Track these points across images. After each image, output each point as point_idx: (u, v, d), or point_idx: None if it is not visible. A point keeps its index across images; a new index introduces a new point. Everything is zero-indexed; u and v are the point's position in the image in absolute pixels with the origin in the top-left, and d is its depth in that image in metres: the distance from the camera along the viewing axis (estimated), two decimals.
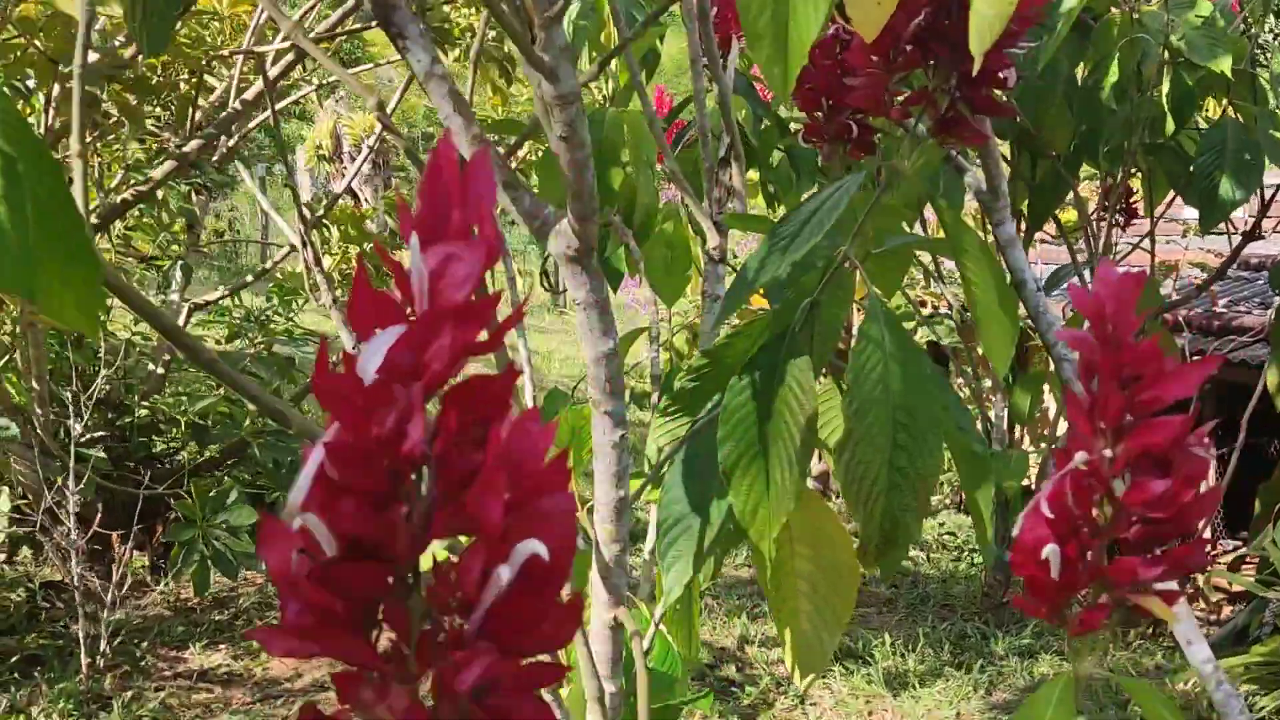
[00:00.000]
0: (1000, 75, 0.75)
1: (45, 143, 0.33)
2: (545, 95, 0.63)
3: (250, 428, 2.22)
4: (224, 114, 1.71)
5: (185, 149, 1.60)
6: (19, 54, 1.27)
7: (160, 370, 2.22)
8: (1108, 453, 0.41)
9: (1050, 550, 0.42)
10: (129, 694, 2.13)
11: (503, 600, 0.26)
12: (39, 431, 1.98)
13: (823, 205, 0.77)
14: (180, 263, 2.18)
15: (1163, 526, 0.42)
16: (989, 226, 0.92)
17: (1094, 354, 0.41)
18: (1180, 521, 0.42)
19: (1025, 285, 0.91)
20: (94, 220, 1.65)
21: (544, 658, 0.27)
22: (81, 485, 2.01)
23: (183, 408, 2.18)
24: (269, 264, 2.18)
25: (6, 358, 1.94)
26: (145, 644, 2.32)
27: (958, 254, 0.79)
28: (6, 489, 2.10)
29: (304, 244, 0.99)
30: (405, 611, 0.27)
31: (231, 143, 1.74)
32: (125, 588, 2.10)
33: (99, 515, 2.00)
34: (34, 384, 1.96)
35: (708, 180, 1.35)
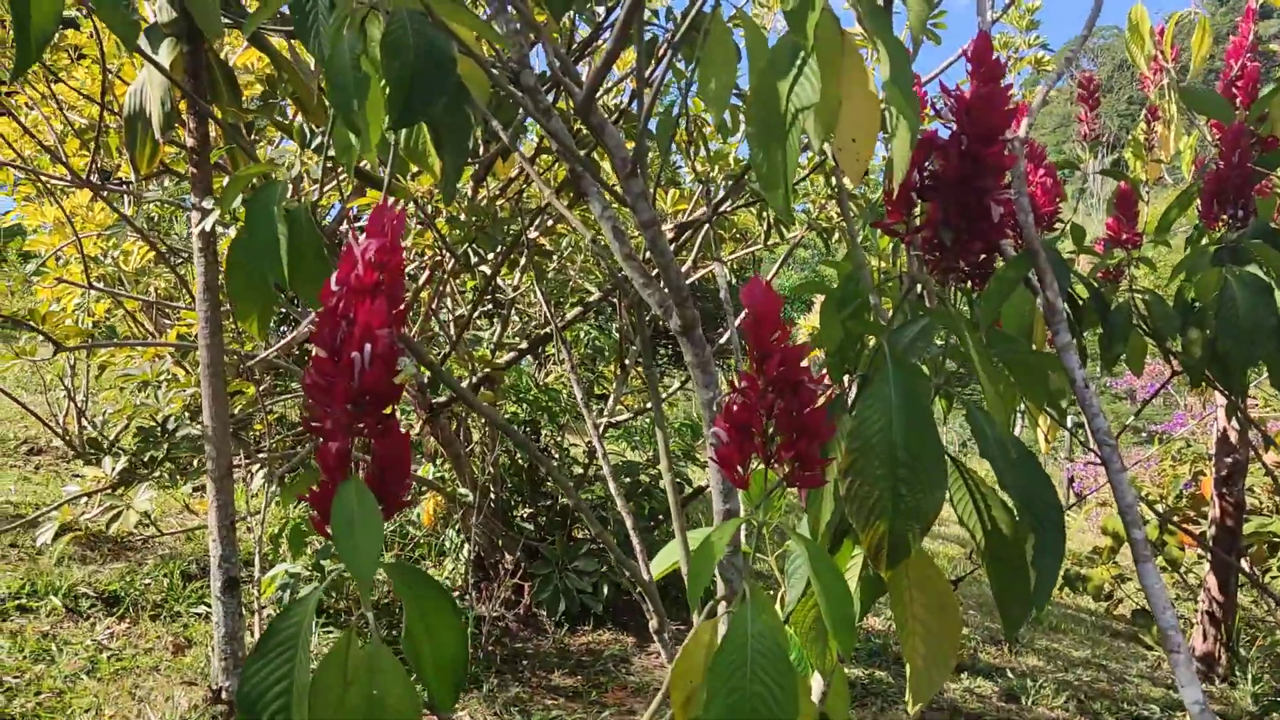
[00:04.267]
0: (990, 211, 1.02)
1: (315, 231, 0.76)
2: (636, 223, 1.06)
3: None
4: None
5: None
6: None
7: (580, 470, 2.87)
8: (760, 380, 0.74)
9: (716, 431, 0.75)
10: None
11: (361, 372, 0.68)
12: (491, 506, 2.72)
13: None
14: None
15: (793, 426, 0.73)
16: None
17: (749, 329, 0.74)
18: (803, 423, 0.73)
19: (1075, 383, 1.10)
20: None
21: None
22: (517, 553, 2.67)
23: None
24: None
25: (468, 449, 2.71)
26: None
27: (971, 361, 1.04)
28: (467, 543, 2.84)
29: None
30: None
31: None
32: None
33: (520, 566, 2.66)
34: (489, 471, 2.70)
35: None
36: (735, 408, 0.74)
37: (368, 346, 0.67)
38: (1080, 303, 1.90)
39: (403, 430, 0.70)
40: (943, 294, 1.25)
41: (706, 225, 2.42)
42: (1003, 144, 0.99)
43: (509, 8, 1.12)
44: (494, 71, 1.12)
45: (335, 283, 0.70)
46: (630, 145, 1.08)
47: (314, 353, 0.70)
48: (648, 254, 1.10)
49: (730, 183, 2.04)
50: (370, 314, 0.68)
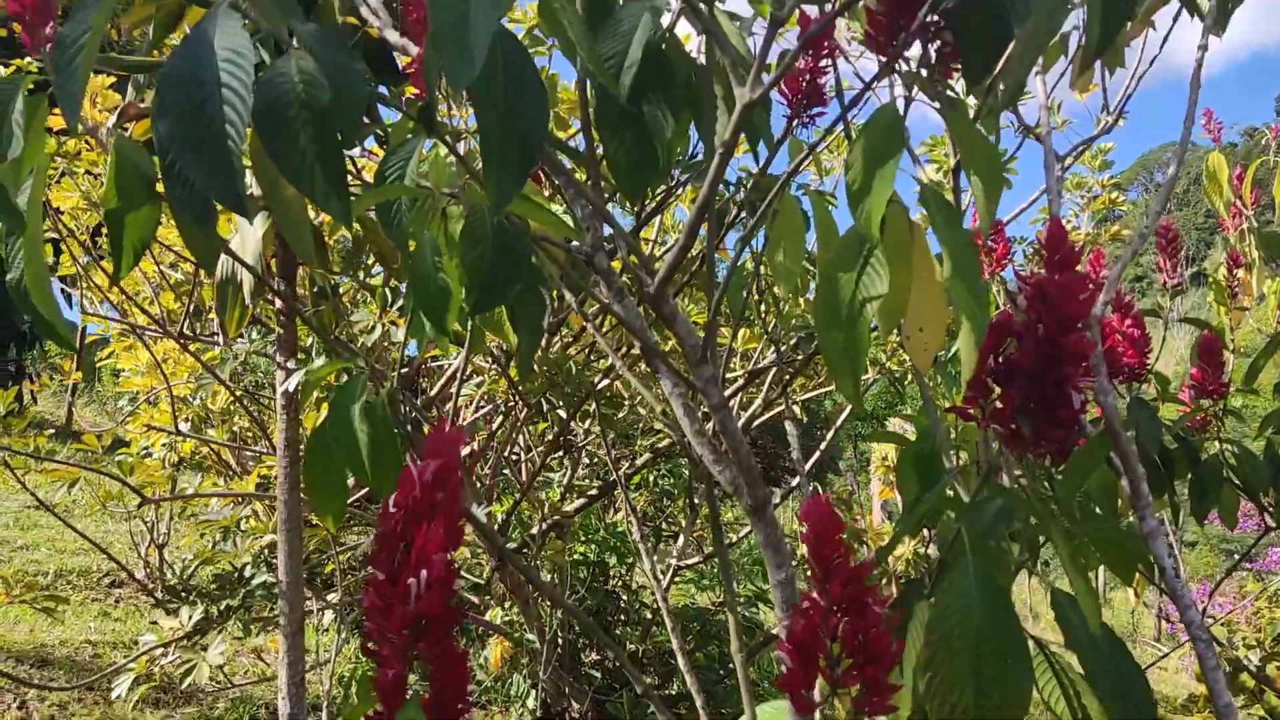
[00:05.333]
0: (1070, 399, 1.00)
1: (390, 426, 0.78)
2: (707, 406, 1.06)
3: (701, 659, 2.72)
4: None
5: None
6: None
7: (650, 614, 2.83)
8: (822, 600, 0.72)
9: (779, 654, 0.73)
10: None
11: (418, 598, 0.68)
12: (559, 653, 2.69)
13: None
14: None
15: (860, 650, 0.71)
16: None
17: (811, 549, 0.73)
18: (869, 648, 0.71)
19: (1165, 571, 1.06)
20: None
21: None
22: (584, 704, 2.63)
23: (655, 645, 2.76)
24: None
25: (537, 594, 2.69)
26: None
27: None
28: (535, 690, 2.80)
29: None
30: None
31: None
32: None
33: (587, 717, 2.61)
34: (557, 619, 2.68)
35: None
36: (798, 629, 0.72)
37: (424, 572, 0.68)
38: (1171, 451, 1.86)
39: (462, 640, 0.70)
40: (1024, 477, 1.22)
41: (775, 369, 2.42)
42: (1082, 331, 0.98)
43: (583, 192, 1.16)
44: (568, 250, 1.16)
45: (394, 504, 0.71)
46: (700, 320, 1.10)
47: (373, 574, 0.71)
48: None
49: (801, 333, 2.05)
50: (427, 538, 0.68)
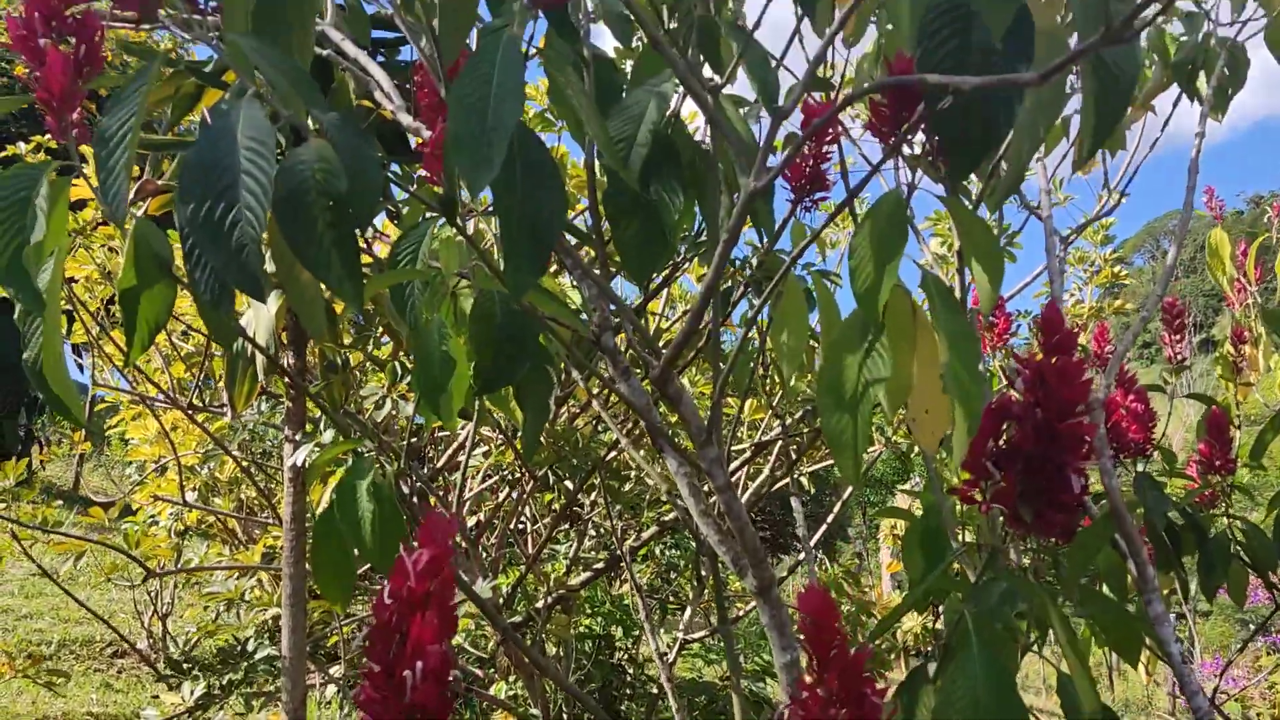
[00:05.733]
0: (1070, 484, 1.00)
1: (395, 506, 0.79)
2: (712, 486, 1.07)
3: None
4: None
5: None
6: None
7: (655, 689, 2.80)
8: (820, 691, 0.72)
9: None
10: None
11: (413, 689, 0.68)
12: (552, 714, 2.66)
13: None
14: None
15: None
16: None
17: (808, 638, 0.73)
18: None
19: (1171, 658, 1.05)
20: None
21: None
22: None
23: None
24: None
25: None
26: None
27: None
28: None
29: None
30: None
31: None
32: None
33: None
34: (562, 694, 2.65)
35: None
36: (800, 712, 0.72)
37: (419, 664, 0.68)
38: (1178, 527, 1.85)
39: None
40: (1028, 555, 1.22)
41: (780, 442, 2.42)
42: (1080, 416, 0.98)
43: (590, 274, 1.17)
44: (574, 329, 1.17)
45: (388, 595, 0.71)
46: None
47: (368, 666, 0.71)
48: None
49: (807, 408, 2.06)
50: (422, 629, 0.69)
